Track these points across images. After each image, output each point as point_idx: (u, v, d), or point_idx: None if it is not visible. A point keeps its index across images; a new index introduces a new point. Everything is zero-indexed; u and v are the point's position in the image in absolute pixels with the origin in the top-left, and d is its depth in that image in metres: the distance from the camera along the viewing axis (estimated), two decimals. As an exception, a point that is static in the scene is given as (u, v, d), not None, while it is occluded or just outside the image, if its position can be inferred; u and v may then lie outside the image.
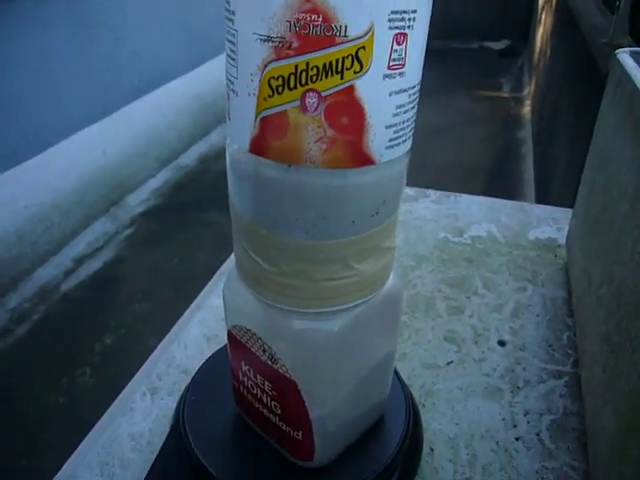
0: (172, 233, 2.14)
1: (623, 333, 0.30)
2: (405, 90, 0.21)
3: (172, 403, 0.37)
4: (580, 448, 0.35)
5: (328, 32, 0.18)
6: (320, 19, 0.18)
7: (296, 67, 0.19)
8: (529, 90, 3.46)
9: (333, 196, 0.21)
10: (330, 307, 0.24)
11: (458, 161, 2.71)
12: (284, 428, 0.28)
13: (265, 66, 0.19)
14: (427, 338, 0.44)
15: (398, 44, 0.19)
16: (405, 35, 0.19)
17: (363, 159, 0.21)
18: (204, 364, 0.36)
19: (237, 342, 0.28)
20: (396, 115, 0.21)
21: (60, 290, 1.84)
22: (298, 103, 0.19)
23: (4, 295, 1.75)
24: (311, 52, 0.19)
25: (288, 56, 0.19)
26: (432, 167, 2.42)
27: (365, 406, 0.30)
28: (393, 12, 0.19)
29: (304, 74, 0.19)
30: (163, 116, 2.57)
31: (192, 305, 0.48)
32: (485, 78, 3.86)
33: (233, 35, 0.20)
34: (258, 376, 0.28)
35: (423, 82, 0.22)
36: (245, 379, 0.29)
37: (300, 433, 0.28)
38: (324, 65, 0.19)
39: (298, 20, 0.18)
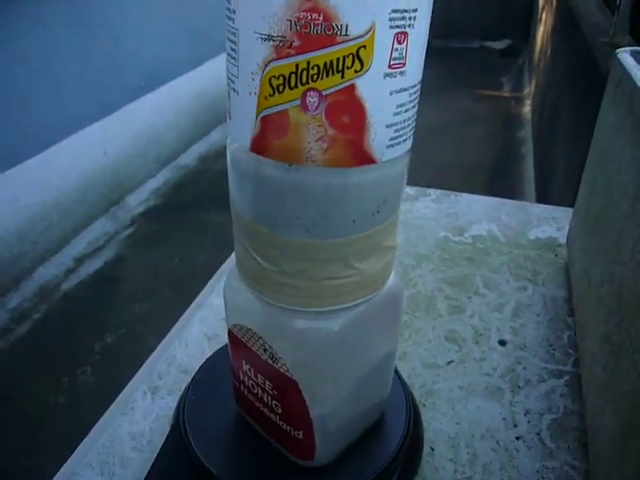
0: (172, 233, 2.14)
1: (623, 333, 0.30)
2: (406, 89, 0.21)
3: (172, 402, 0.37)
4: (581, 447, 0.35)
5: (329, 31, 0.18)
6: (321, 18, 0.18)
7: (297, 66, 0.19)
8: (530, 89, 3.46)
9: (334, 195, 0.21)
10: (331, 306, 0.24)
11: (459, 160, 2.71)
12: (285, 427, 0.28)
13: (266, 65, 0.19)
14: (428, 337, 0.44)
15: (399, 43, 0.19)
16: (406, 34, 0.19)
17: (364, 158, 0.21)
18: (205, 363, 0.36)
19: (238, 341, 0.28)
20: (397, 114, 0.21)
21: (60, 289, 1.84)
22: (299, 102, 0.19)
23: (5, 294, 1.76)
24: (312, 51, 0.19)
25: (289, 55, 0.19)
26: (432, 166, 2.42)
27: (366, 405, 0.30)
28: (394, 11, 0.19)
29: (305, 73, 0.19)
30: (163, 116, 2.57)
31: (193, 304, 0.48)
32: (486, 77, 3.86)
33: (234, 34, 0.20)
34: (259, 375, 0.28)
35: (424, 81, 0.22)
36: (246, 378, 0.29)
37: (301, 432, 0.28)
38: (325, 64, 0.19)
39: (299, 19, 0.18)
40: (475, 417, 0.37)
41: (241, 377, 0.30)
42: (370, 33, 0.18)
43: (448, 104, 3.29)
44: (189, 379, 0.35)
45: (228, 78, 0.22)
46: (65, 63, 1.97)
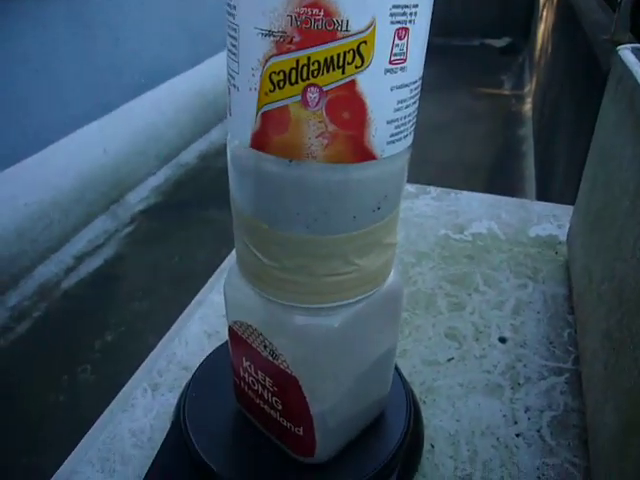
0: (172, 231, 2.14)
1: (624, 330, 0.30)
2: (406, 85, 0.21)
3: (173, 399, 0.37)
4: (581, 445, 0.35)
5: (329, 26, 0.18)
6: (321, 13, 0.18)
7: (297, 62, 0.19)
8: (530, 87, 3.46)
9: (334, 191, 0.21)
10: (331, 303, 0.24)
11: (459, 158, 2.70)
12: (285, 424, 0.28)
13: (266, 61, 0.19)
14: (428, 335, 0.44)
15: (400, 39, 0.19)
16: (407, 30, 0.19)
17: (364, 154, 0.21)
18: (205, 360, 0.36)
19: (238, 338, 0.28)
20: (397, 110, 0.21)
21: (61, 288, 1.84)
22: (299, 98, 0.19)
23: (4, 293, 1.76)
24: (312, 47, 0.18)
25: (289, 51, 0.19)
26: (433, 164, 2.42)
27: (366, 402, 0.30)
28: (395, 6, 0.19)
29: (305, 69, 0.19)
30: (163, 114, 2.56)
31: (193, 302, 0.48)
32: (486, 75, 3.85)
33: (234, 30, 0.20)
34: (259, 372, 0.28)
35: (424, 79, 0.22)
36: (246, 375, 0.29)
37: (301, 429, 0.28)
38: (325, 60, 0.19)
39: (299, 14, 0.18)
40: (475, 414, 0.37)
41: (241, 374, 0.30)
42: (371, 29, 0.18)
43: (448, 102, 3.29)
44: (189, 376, 0.35)
45: (228, 74, 0.22)
46: (65, 62, 1.96)
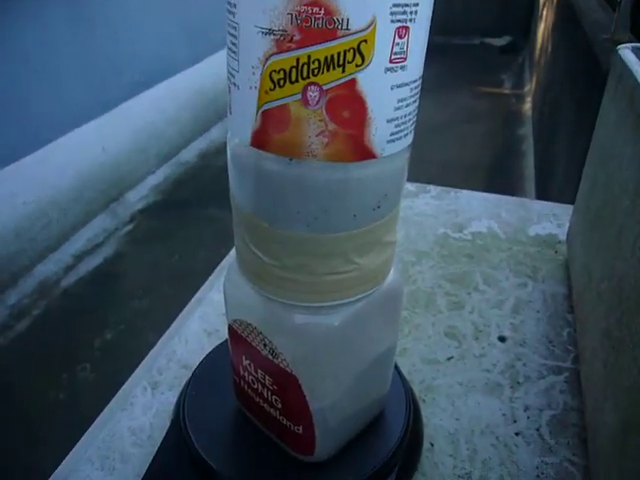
0: (172, 229, 2.14)
1: (624, 329, 0.30)
2: (407, 84, 0.21)
3: (172, 398, 0.37)
4: (580, 443, 0.35)
5: (330, 25, 0.18)
6: (322, 12, 0.18)
7: (297, 60, 0.19)
8: (530, 87, 3.46)
9: (334, 190, 0.21)
10: (331, 301, 0.24)
11: (459, 158, 2.70)
12: (285, 422, 0.28)
13: (266, 59, 0.19)
14: (427, 333, 0.44)
15: (400, 37, 0.19)
16: (407, 28, 0.19)
17: (364, 153, 0.21)
18: (205, 359, 0.36)
19: (238, 336, 0.28)
20: (398, 109, 0.21)
21: (60, 286, 1.84)
22: (299, 96, 0.19)
23: (4, 291, 1.75)
24: (313, 45, 0.18)
25: (290, 49, 0.19)
26: (433, 164, 2.42)
27: (366, 401, 0.30)
28: (395, 5, 0.19)
29: (305, 67, 0.19)
30: (163, 112, 2.56)
31: (192, 300, 0.48)
32: (486, 75, 3.85)
33: (234, 28, 0.20)
34: (259, 370, 0.28)
35: (424, 78, 0.22)
36: (246, 373, 0.29)
37: (301, 427, 0.28)
38: (326, 58, 0.19)
39: (300, 13, 0.18)
40: (475, 413, 0.37)
41: (241, 372, 0.30)
42: (371, 27, 0.18)
43: (448, 101, 3.29)
44: (189, 374, 0.35)
45: (228, 72, 0.22)
46: (64, 60, 1.96)
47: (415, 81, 0.21)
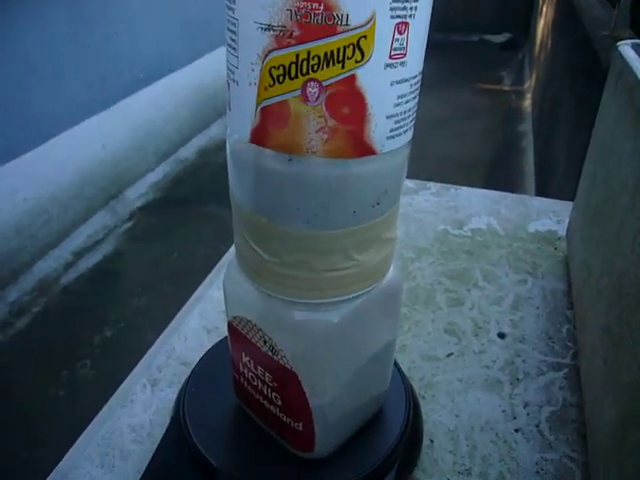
0: (171, 227, 2.14)
1: (624, 325, 0.30)
2: (406, 80, 0.21)
3: (172, 395, 0.37)
4: (579, 439, 0.35)
5: (329, 21, 0.18)
6: (321, 8, 0.18)
7: (297, 56, 0.19)
8: (530, 83, 3.45)
9: (334, 186, 0.21)
10: (330, 298, 0.24)
11: (459, 154, 2.70)
12: (284, 419, 0.28)
13: (266, 55, 0.19)
14: (427, 330, 0.44)
15: (400, 33, 0.19)
16: (407, 24, 0.19)
17: (364, 149, 0.21)
18: (204, 356, 0.36)
19: (237, 333, 0.28)
20: (397, 105, 0.21)
21: (60, 283, 1.84)
22: (299, 93, 0.19)
23: (4, 288, 1.75)
24: (312, 41, 0.18)
25: (289, 45, 0.19)
26: (433, 160, 2.42)
27: (365, 397, 0.30)
28: (395, 1, 0.18)
29: (305, 63, 0.19)
30: (162, 109, 2.56)
31: (192, 297, 0.48)
32: (486, 71, 3.85)
33: (234, 24, 0.20)
34: (258, 367, 0.28)
35: (423, 75, 0.22)
36: (245, 370, 0.29)
37: (300, 424, 0.28)
38: (325, 54, 0.19)
39: (299, 8, 0.18)
40: (474, 409, 0.37)
41: (241, 369, 0.30)
42: (371, 23, 0.18)
43: (448, 98, 3.28)
44: (189, 371, 0.35)
45: (228, 69, 0.22)
46: (64, 57, 1.96)
47: (415, 77, 0.21)
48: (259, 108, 0.20)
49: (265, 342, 0.26)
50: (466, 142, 2.84)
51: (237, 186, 0.24)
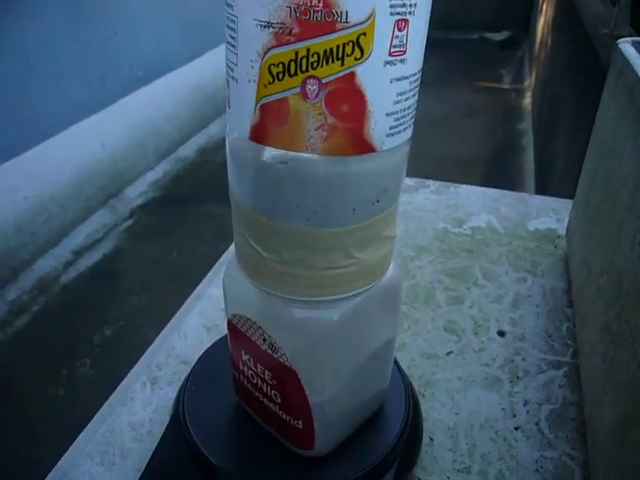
0: (171, 225, 2.14)
1: (623, 323, 0.30)
2: (406, 77, 0.21)
3: (172, 393, 0.37)
4: (579, 438, 0.35)
5: (329, 18, 0.18)
6: (321, 5, 0.18)
7: (296, 53, 0.19)
8: (530, 81, 3.45)
9: (334, 184, 0.21)
10: (330, 296, 0.24)
11: (458, 152, 2.70)
12: (284, 417, 0.28)
13: (265, 52, 0.19)
14: (427, 328, 0.44)
15: (399, 30, 0.19)
16: (406, 21, 0.19)
17: (364, 147, 0.21)
18: (204, 354, 0.36)
19: (237, 331, 0.28)
20: (397, 102, 0.21)
21: (59, 282, 1.84)
22: (298, 90, 0.19)
23: (3, 287, 1.75)
24: (312, 38, 0.18)
25: (288, 42, 0.19)
26: (432, 158, 2.42)
27: (365, 395, 0.30)
28: (394, -3, 0.18)
29: (304, 60, 0.19)
30: (161, 108, 2.56)
31: (192, 295, 0.48)
32: (485, 69, 3.84)
33: (233, 21, 0.20)
34: (258, 365, 0.28)
35: (423, 73, 0.22)
36: (245, 368, 0.29)
37: (300, 422, 0.28)
38: (325, 51, 0.19)
39: (298, 6, 0.18)
40: (474, 407, 0.37)
41: (240, 367, 0.30)
42: (370, 20, 0.18)
43: (447, 96, 3.28)
44: (188, 370, 0.35)
45: (227, 66, 0.22)
46: (63, 56, 1.96)
47: (414, 74, 0.21)
48: (258, 105, 0.20)
49: (265, 340, 0.26)
50: (466, 140, 2.84)
51: (236, 184, 0.24)
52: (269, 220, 0.23)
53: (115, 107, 2.25)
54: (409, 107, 0.22)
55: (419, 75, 0.22)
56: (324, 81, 0.19)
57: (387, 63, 0.19)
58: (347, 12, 0.18)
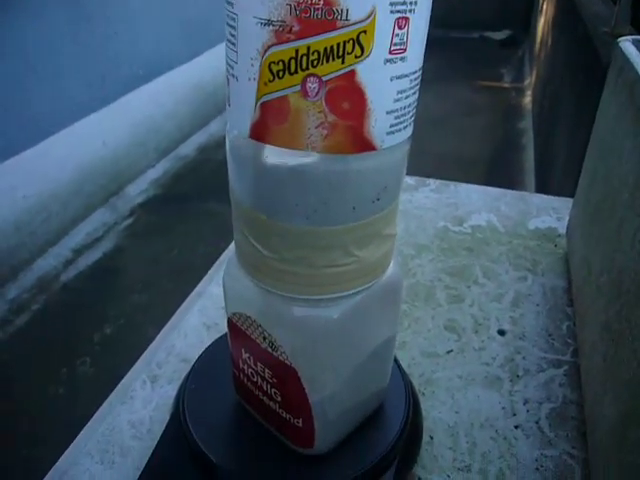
0: (171, 224, 2.14)
1: (623, 321, 0.30)
2: (406, 75, 0.20)
3: (172, 391, 0.37)
4: (579, 436, 0.35)
5: (329, 16, 0.18)
6: (321, 2, 0.18)
7: (297, 51, 0.19)
8: (530, 80, 3.45)
9: (334, 182, 0.21)
10: (330, 294, 0.24)
11: (458, 151, 2.70)
12: (284, 415, 0.28)
13: (265, 50, 0.19)
14: (427, 327, 0.44)
15: (400, 28, 0.19)
16: (407, 19, 0.19)
17: (364, 145, 0.21)
18: (204, 352, 0.36)
19: (237, 329, 0.28)
20: (397, 101, 0.21)
21: (59, 280, 1.84)
22: (299, 88, 0.19)
23: (3, 285, 1.75)
24: (312, 36, 0.18)
25: (289, 40, 0.19)
26: (432, 157, 2.41)
27: (365, 393, 0.30)
28: (395, -5, 0.18)
29: (305, 58, 0.19)
30: (162, 106, 2.56)
31: (192, 294, 0.48)
32: (486, 68, 3.84)
33: (233, 19, 0.20)
34: (258, 363, 0.28)
35: (423, 71, 0.22)
36: (245, 367, 0.29)
37: (300, 420, 0.28)
38: (325, 49, 0.18)
39: (299, 3, 0.18)
40: (474, 406, 0.37)
41: (240, 365, 0.30)
42: (371, 18, 0.18)
43: (448, 95, 3.28)
44: (188, 368, 0.35)
45: (227, 64, 0.21)
46: (64, 55, 1.96)
47: (415, 72, 0.21)
48: (259, 103, 0.20)
49: (265, 338, 0.26)
50: (466, 139, 2.84)
51: (237, 182, 0.24)
52: (269, 218, 0.23)
53: (116, 105, 2.25)
54: (409, 105, 0.22)
55: (419, 73, 0.22)
56: (324, 79, 0.19)
57: (387, 61, 0.19)
58: (347, 10, 0.18)
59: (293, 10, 0.18)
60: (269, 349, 0.26)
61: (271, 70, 0.19)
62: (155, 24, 2.45)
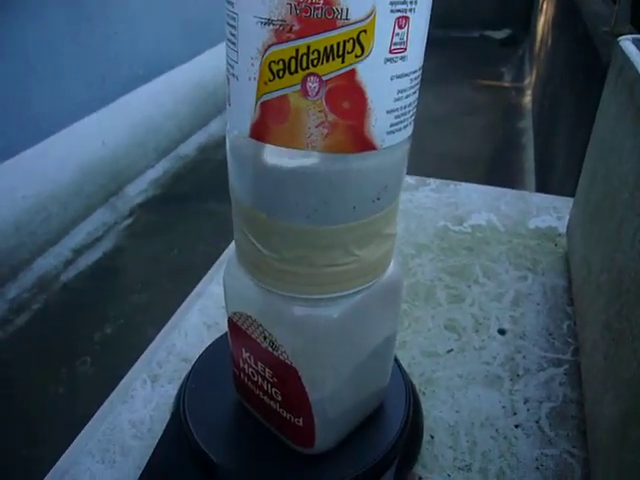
0: (171, 223, 2.14)
1: (624, 321, 0.30)
2: (407, 74, 0.20)
3: (172, 391, 0.37)
4: (579, 435, 0.35)
5: (329, 15, 0.18)
6: (321, 2, 0.18)
7: (297, 51, 0.19)
8: (530, 80, 3.45)
9: (334, 181, 0.21)
10: (330, 293, 0.24)
11: (459, 150, 2.70)
12: (285, 415, 0.28)
13: (266, 50, 0.19)
14: (427, 326, 0.44)
15: (400, 27, 0.19)
16: (407, 18, 0.19)
17: (364, 144, 0.21)
18: (204, 352, 0.36)
19: (237, 329, 0.28)
20: (397, 100, 0.21)
21: (59, 280, 1.84)
22: (299, 87, 0.19)
23: (3, 285, 1.75)
24: (312, 35, 0.18)
25: (289, 39, 0.19)
26: (432, 157, 2.41)
27: (366, 393, 0.30)
28: (395, -5, 0.18)
29: (305, 58, 0.19)
30: (162, 106, 2.56)
31: (192, 293, 0.48)
32: (486, 67, 3.84)
33: (233, 18, 0.20)
34: (258, 363, 0.28)
35: (423, 70, 0.22)
36: (245, 366, 0.29)
37: (301, 420, 0.28)
38: (325, 49, 0.18)
39: (299, 3, 0.18)
40: (475, 405, 0.37)
41: (241, 365, 0.30)
42: (371, 17, 0.18)
43: (448, 94, 3.28)
44: (189, 367, 0.35)
45: (227, 64, 0.21)
46: (64, 55, 1.96)
47: (415, 72, 0.21)
48: (259, 103, 0.20)
49: (265, 338, 0.26)
50: (466, 138, 2.84)
51: (237, 181, 0.24)
52: (269, 217, 0.23)
53: (115, 105, 2.25)
54: (410, 104, 0.22)
55: (420, 73, 0.22)
56: (324, 78, 0.19)
57: (387, 60, 0.19)
58: (348, 9, 0.18)
59: (293, 9, 0.18)
60: (269, 348, 0.26)
61: (271, 69, 0.19)
62: (155, 24, 2.45)
